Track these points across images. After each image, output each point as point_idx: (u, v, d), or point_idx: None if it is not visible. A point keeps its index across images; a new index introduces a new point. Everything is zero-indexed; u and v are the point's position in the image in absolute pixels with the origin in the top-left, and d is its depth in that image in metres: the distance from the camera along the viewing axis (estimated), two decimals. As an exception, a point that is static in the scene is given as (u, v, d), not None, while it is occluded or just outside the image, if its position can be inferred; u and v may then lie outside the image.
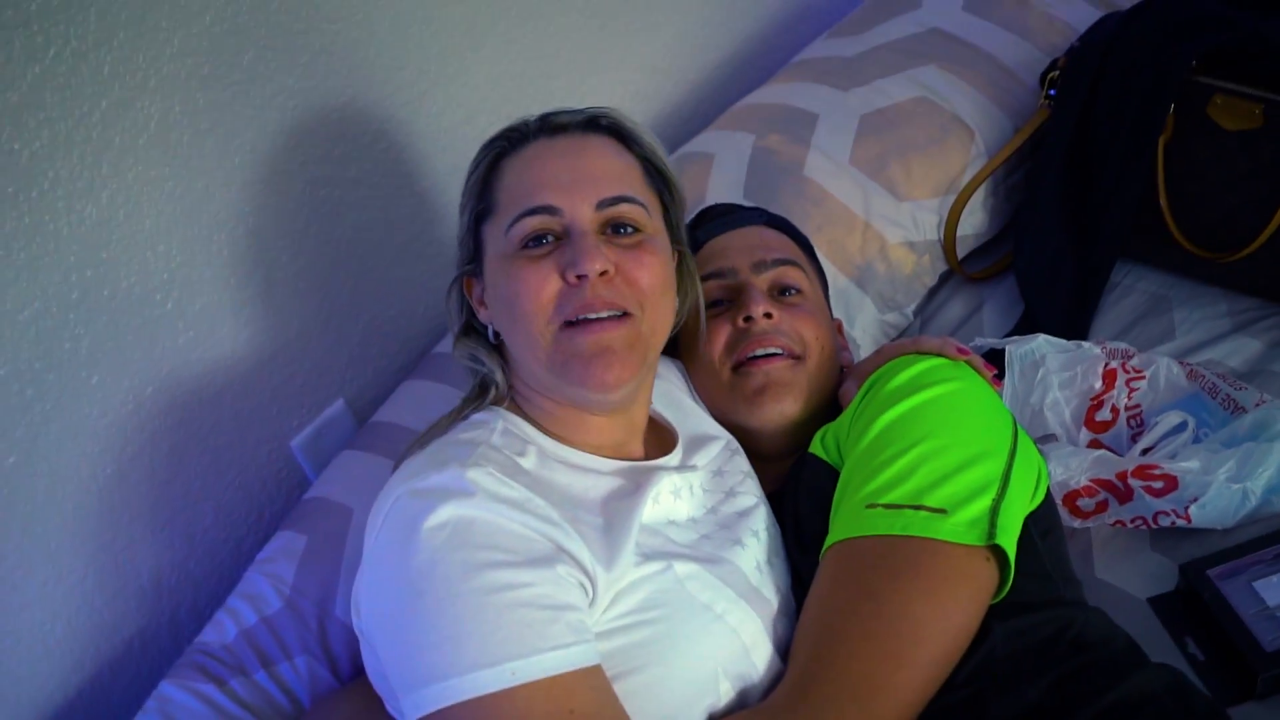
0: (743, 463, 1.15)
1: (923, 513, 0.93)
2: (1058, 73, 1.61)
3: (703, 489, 1.07)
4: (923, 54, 1.74)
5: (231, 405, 1.34)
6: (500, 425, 1.00)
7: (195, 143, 1.21)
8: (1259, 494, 1.18)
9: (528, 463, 0.97)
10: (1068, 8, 1.85)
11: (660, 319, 1.03)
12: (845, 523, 0.97)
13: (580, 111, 1.06)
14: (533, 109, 1.07)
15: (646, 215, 1.02)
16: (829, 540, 0.98)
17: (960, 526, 0.92)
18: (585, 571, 0.91)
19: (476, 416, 1.03)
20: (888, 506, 0.94)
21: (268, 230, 1.32)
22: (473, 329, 1.09)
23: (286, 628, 1.18)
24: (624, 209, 1.00)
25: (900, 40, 1.78)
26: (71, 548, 1.20)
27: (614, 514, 0.97)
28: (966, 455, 0.96)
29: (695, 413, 1.18)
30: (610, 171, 1.02)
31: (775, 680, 0.96)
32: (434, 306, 1.57)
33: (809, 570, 1.00)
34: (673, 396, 1.18)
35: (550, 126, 1.04)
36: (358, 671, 1.15)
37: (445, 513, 0.87)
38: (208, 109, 1.21)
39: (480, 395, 1.06)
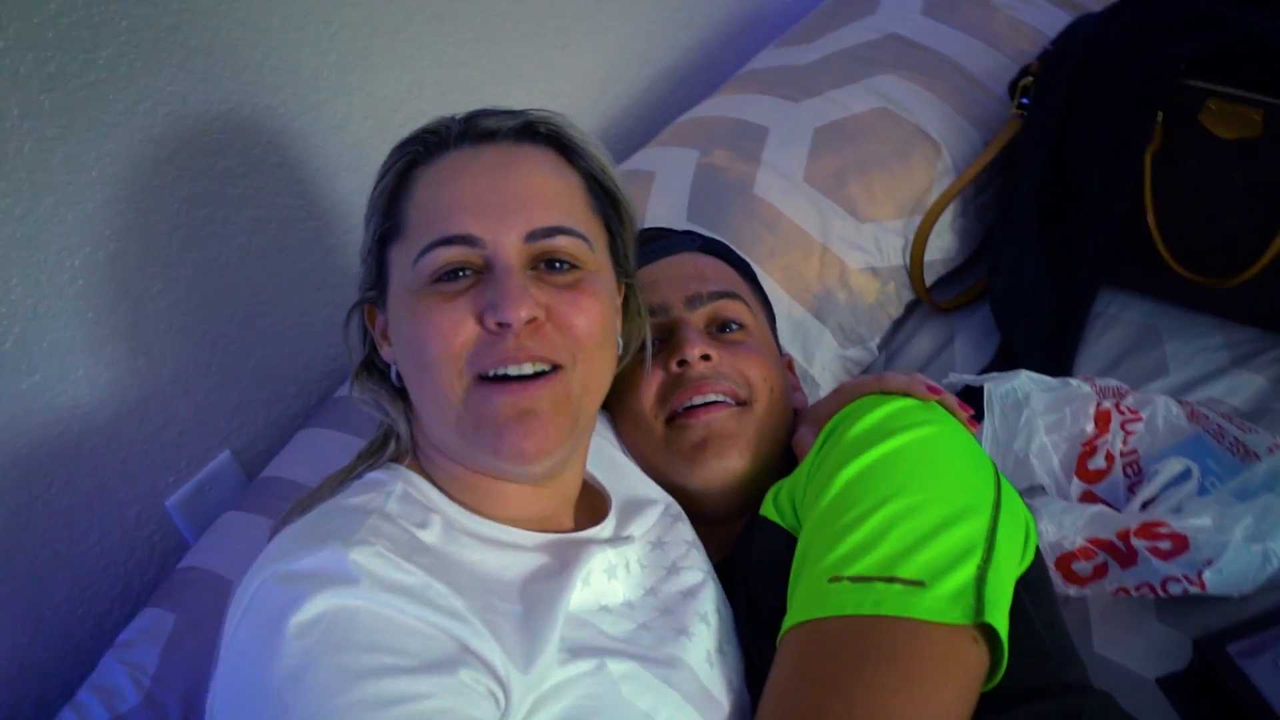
0: (686, 530, 1.00)
1: (896, 585, 0.80)
2: (1030, 80, 1.52)
3: (640, 565, 0.92)
4: (881, 61, 1.65)
5: (91, 459, 1.19)
6: (399, 488, 0.85)
7: (40, 152, 1.07)
8: (1281, 554, 1.05)
9: (429, 536, 0.81)
10: (1033, 10, 1.78)
11: (595, 373, 0.88)
12: (806, 600, 0.83)
13: (515, 114, 0.90)
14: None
15: (587, 249, 0.87)
16: (787, 622, 0.84)
17: (942, 601, 0.79)
18: (496, 676, 0.75)
19: (372, 475, 0.87)
20: (854, 579, 0.81)
21: (133, 255, 1.18)
22: (375, 366, 0.93)
23: (142, 729, 1.01)
24: (560, 242, 0.85)
25: (855, 47, 1.69)
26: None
27: (535, 600, 0.82)
28: (944, 514, 0.83)
29: (631, 470, 1.03)
30: (545, 193, 0.86)
31: (727, 803, 0.81)
32: (336, 345, 1.43)
33: (764, 656, 0.87)
34: (604, 451, 1.03)
35: (476, 132, 0.88)
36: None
37: (320, 604, 0.71)
38: (55, 113, 1.07)
39: (381, 448, 0.90)
